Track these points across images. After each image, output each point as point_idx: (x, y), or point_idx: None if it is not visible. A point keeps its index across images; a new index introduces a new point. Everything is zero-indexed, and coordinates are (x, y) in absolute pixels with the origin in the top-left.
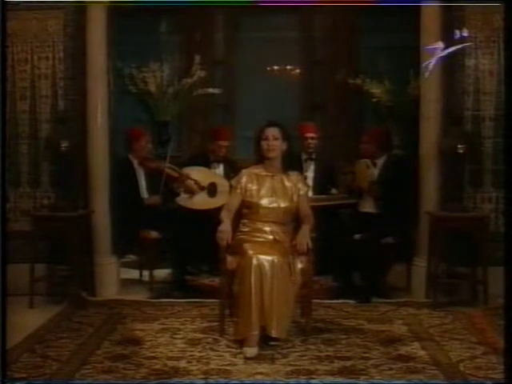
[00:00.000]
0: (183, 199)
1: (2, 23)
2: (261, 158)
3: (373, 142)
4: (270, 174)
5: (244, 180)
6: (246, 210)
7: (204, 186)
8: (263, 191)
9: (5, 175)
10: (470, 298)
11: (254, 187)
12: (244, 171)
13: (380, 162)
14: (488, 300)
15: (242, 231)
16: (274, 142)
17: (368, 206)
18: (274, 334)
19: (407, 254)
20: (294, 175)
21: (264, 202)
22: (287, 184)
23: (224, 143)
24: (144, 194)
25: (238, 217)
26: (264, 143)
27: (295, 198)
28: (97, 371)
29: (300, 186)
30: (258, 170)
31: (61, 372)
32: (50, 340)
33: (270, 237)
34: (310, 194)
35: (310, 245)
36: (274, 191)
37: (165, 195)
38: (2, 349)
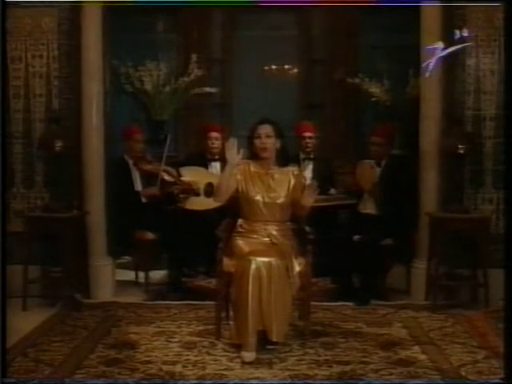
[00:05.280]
0: (180, 199)
1: (1, 23)
2: (254, 156)
3: (385, 144)
4: (263, 170)
5: (239, 177)
6: (242, 207)
7: (199, 193)
8: (258, 187)
9: (5, 175)
10: (470, 300)
11: (249, 183)
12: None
13: (383, 162)
14: (489, 302)
15: (238, 232)
16: (267, 139)
17: (369, 208)
18: (274, 338)
19: (407, 256)
20: (288, 168)
21: (259, 197)
22: (282, 179)
23: (215, 134)
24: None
25: (235, 217)
26: (257, 141)
27: (291, 189)
28: (90, 376)
29: (296, 172)
30: (252, 166)
31: (53, 377)
32: (43, 343)
33: (267, 239)
34: None
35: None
36: (269, 187)
37: (161, 196)
38: (2, 349)
